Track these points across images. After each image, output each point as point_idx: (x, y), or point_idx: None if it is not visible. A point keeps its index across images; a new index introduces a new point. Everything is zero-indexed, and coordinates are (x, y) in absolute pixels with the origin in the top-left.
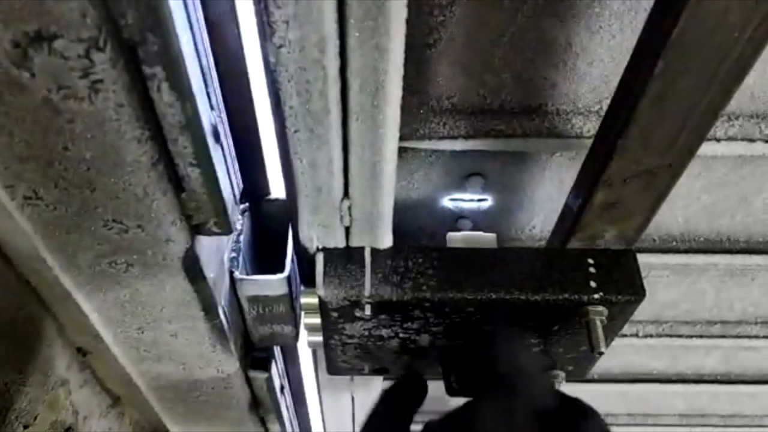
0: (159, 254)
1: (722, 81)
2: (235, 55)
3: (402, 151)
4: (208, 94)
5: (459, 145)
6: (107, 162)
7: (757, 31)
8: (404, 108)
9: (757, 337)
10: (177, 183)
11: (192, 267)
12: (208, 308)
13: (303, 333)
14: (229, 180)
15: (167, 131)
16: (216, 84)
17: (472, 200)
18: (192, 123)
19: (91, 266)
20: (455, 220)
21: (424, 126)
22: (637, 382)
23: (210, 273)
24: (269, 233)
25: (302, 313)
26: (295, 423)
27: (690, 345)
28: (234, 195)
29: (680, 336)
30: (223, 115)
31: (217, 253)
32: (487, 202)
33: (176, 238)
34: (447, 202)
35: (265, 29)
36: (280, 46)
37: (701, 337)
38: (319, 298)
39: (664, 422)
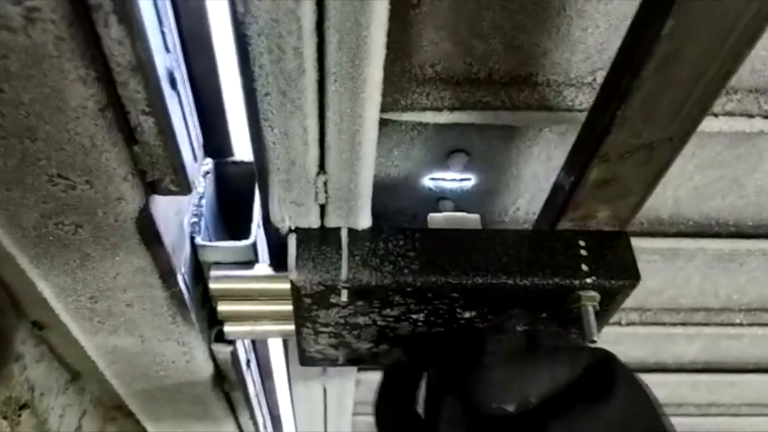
0: (110, 214)
1: (733, 45)
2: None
3: (382, 123)
4: (163, 34)
5: (444, 117)
6: (49, 106)
7: None
8: (385, 76)
9: (740, 324)
10: (129, 133)
11: (147, 229)
12: (166, 275)
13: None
14: (187, 133)
15: (116, 73)
16: (172, 25)
17: (454, 179)
18: (144, 64)
19: (36, 227)
20: (436, 201)
21: (406, 96)
22: None
23: (168, 237)
24: (235, 198)
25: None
26: (262, 398)
27: (673, 333)
28: (193, 150)
29: (663, 324)
30: (181, 62)
31: (177, 216)
32: (470, 181)
33: (129, 196)
34: (428, 181)
35: None
36: None
37: (684, 324)
38: (292, 282)
39: None
